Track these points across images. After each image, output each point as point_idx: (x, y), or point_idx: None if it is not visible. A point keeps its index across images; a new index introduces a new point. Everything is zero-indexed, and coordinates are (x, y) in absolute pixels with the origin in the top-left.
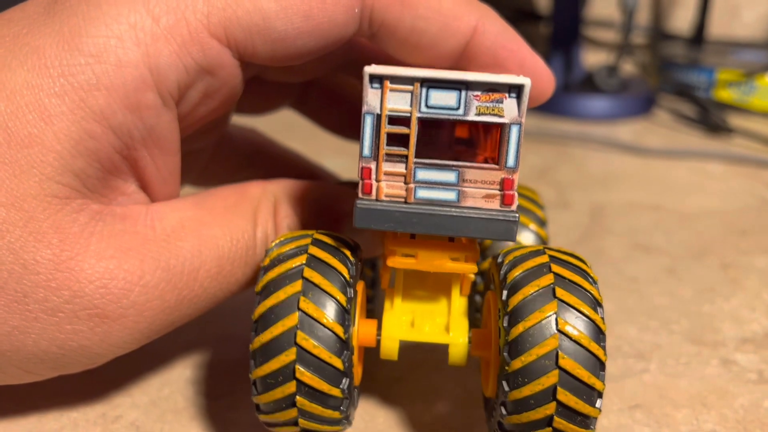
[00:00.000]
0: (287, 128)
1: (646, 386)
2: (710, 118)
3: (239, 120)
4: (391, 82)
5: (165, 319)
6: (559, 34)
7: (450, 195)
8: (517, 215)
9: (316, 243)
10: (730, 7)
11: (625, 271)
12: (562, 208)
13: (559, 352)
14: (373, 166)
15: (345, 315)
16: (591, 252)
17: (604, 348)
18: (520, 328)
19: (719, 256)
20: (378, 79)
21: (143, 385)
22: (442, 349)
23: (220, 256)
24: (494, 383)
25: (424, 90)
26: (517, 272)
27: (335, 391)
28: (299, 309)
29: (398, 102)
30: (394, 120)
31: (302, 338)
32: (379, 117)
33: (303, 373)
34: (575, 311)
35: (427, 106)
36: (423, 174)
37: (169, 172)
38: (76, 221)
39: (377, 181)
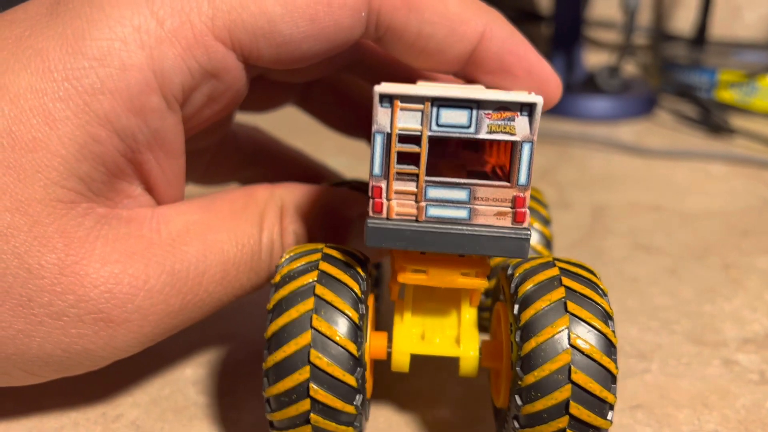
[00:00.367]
0: (289, 127)
1: (647, 386)
2: (712, 118)
3: (242, 117)
4: (401, 102)
5: (169, 322)
6: (560, 34)
7: (461, 213)
8: (530, 233)
9: (327, 258)
10: (732, 8)
11: (626, 272)
12: (564, 208)
13: (572, 367)
14: (383, 184)
15: (357, 332)
16: (592, 252)
17: (615, 361)
18: (532, 343)
19: (720, 256)
20: (388, 99)
21: (144, 384)
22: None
23: (225, 261)
24: (506, 395)
25: (434, 109)
26: (528, 286)
27: (349, 408)
28: (312, 327)
29: (409, 121)
30: (404, 138)
31: (316, 356)
32: (389, 136)
33: (317, 391)
34: (587, 325)
35: (437, 124)
36: (434, 192)
37: (174, 174)
38: (81, 225)
39: (388, 199)
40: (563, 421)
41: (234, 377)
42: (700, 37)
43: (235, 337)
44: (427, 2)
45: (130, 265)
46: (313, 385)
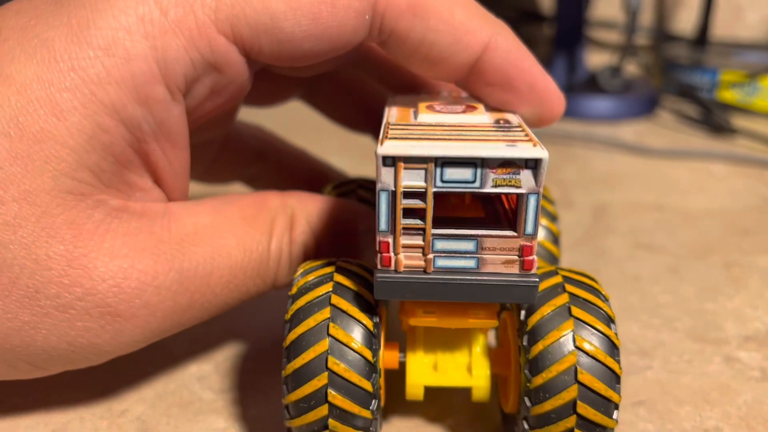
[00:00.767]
0: (292, 125)
1: (649, 383)
2: (713, 118)
3: (246, 112)
4: (404, 162)
5: (176, 320)
6: (562, 34)
7: (470, 263)
8: (538, 280)
9: (340, 271)
10: (734, 9)
11: (627, 270)
12: (566, 207)
13: (578, 368)
14: (390, 239)
15: (372, 339)
16: (594, 251)
17: (618, 362)
18: (539, 346)
19: (722, 255)
20: (391, 159)
21: (149, 379)
22: None
23: (232, 266)
24: (515, 399)
25: (438, 168)
26: None
27: (365, 413)
28: (329, 335)
29: (413, 178)
30: (409, 194)
31: (333, 363)
32: (394, 193)
33: (335, 397)
34: (590, 328)
35: (442, 180)
36: (441, 245)
37: (180, 166)
38: (90, 217)
39: (395, 254)
40: (571, 421)
41: (238, 373)
42: (701, 38)
43: (240, 334)
44: (433, 9)
45: (139, 260)
46: (331, 391)
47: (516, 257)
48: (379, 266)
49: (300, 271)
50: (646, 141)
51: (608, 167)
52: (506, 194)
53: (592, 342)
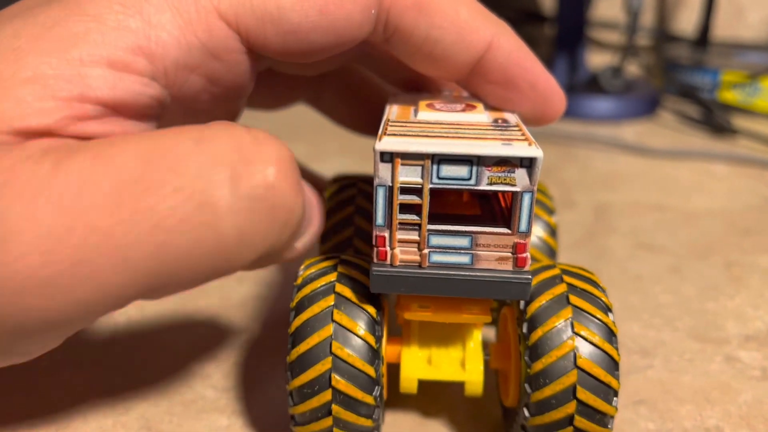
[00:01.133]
0: (293, 126)
1: (650, 382)
2: (714, 119)
3: (252, 115)
4: (401, 159)
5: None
6: (563, 35)
7: (464, 259)
8: (530, 277)
9: (344, 263)
10: (735, 9)
11: (629, 270)
12: (567, 207)
13: (577, 353)
14: (386, 234)
15: (376, 326)
16: (595, 251)
17: (617, 348)
18: (539, 332)
19: (723, 255)
20: (389, 155)
21: (152, 377)
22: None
23: None
24: (515, 392)
25: (435, 164)
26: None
27: (368, 399)
28: (333, 320)
29: (410, 175)
30: (406, 190)
31: (337, 347)
32: (391, 189)
33: (338, 381)
34: (588, 315)
35: (438, 177)
36: (437, 240)
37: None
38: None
39: (391, 248)
40: (571, 407)
41: (241, 371)
42: (703, 38)
43: (242, 332)
44: (438, 7)
45: None
46: (335, 376)
47: (510, 254)
48: (375, 260)
49: (305, 263)
50: (647, 141)
51: (609, 167)
52: (501, 192)
53: (590, 328)
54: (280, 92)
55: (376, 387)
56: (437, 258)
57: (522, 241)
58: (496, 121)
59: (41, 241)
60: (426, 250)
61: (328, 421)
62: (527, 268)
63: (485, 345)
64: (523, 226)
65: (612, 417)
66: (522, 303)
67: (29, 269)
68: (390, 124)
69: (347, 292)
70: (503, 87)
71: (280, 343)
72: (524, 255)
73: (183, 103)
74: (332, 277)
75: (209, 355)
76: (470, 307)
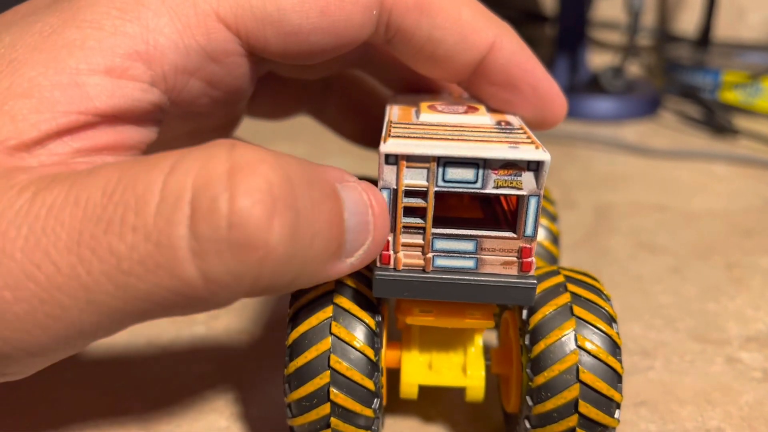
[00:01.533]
0: (294, 127)
1: (651, 383)
2: (715, 119)
3: (253, 125)
4: (407, 161)
5: None
6: (564, 35)
7: (468, 263)
8: (536, 282)
9: None
10: (736, 9)
11: (630, 270)
12: (568, 207)
13: (579, 367)
14: (390, 237)
15: (375, 338)
16: (596, 251)
17: (620, 361)
18: (541, 345)
19: (724, 255)
20: (394, 158)
21: (151, 378)
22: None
23: None
24: (516, 398)
25: (440, 167)
26: None
27: (367, 412)
28: (331, 333)
29: (415, 177)
30: (411, 192)
31: (336, 361)
32: (395, 191)
33: (337, 395)
34: (592, 327)
35: (444, 180)
36: (441, 244)
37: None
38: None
39: (395, 252)
40: (573, 420)
41: (240, 372)
42: (704, 38)
43: (241, 333)
44: (440, 7)
45: None
46: (333, 389)
47: (515, 259)
48: (378, 264)
49: None
50: (648, 141)
51: (610, 168)
52: (506, 196)
53: (593, 341)
54: (282, 102)
55: (375, 399)
56: (441, 262)
57: (527, 245)
58: (499, 123)
59: (11, 277)
60: (430, 254)
61: None
62: (532, 272)
63: (486, 349)
64: (528, 231)
65: (614, 428)
66: (525, 313)
67: (4, 304)
68: (393, 125)
69: (346, 302)
70: (505, 89)
71: (280, 345)
72: (530, 260)
73: (183, 107)
74: (330, 285)
75: (208, 356)
76: (473, 311)
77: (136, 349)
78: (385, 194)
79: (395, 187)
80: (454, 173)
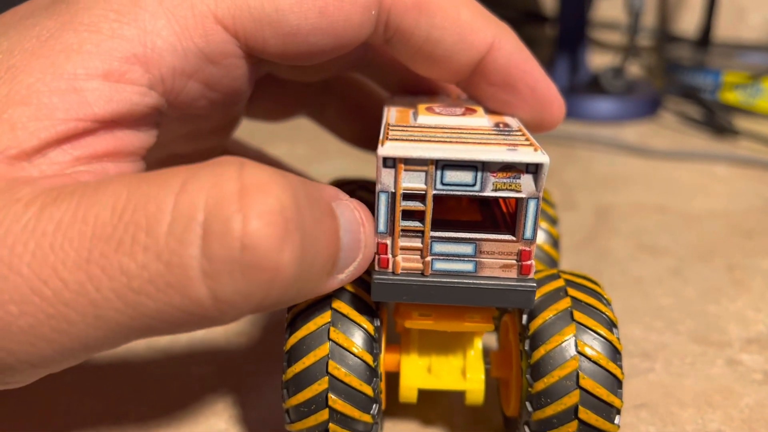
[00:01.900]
0: (293, 128)
1: (651, 385)
2: (716, 120)
3: (252, 126)
4: (405, 164)
5: None
6: (565, 35)
7: (467, 266)
8: (535, 285)
9: None
10: (737, 10)
11: (630, 272)
12: (568, 208)
13: (579, 373)
14: (388, 241)
15: (373, 343)
16: (596, 252)
17: (621, 367)
18: (541, 351)
19: (724, 257)
20: (392, 161)
21: (150, 381)
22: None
23: None
24: (516, 403)
25: (439, 170)
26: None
27: (366, 417)
28: (330, 339)
29: (413, 180)
30: (409, 196)
31: (334, 367)
32: (393, 195)
33: (335, 401)
34: (593, 333)
35: (442, 183)
36: (440, 247)
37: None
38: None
39: (393, 255)
40: (572, 426)
41: (239, 375)
42: (704, 39)
43: (240, 335)
44: (439, 7)
45: None
46: (331, 395)
47: (514, 261)
48: (376, 268)
49: None
50: (648, 142)
51: (611, 168)
52: (505, 198)
53: (594, 347)
54: (281, 104)
55: (374, 405)
56: (440, 266)
57: (527, 248)
58: (497, 125)
59: (17, 292)
60: (429, 258)
61: None
62: (531, 275)
63: (486, 353)
64: (528, 233)
65: None
66: (525, 318)
67: (10, 317)
68: (391, 128)
69: (344, 307)
70: (504, 89)
71: (279, 348)
72: (529, 262)
73: (181, 110)
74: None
75: (207, 359)
76: (472, 315)
77: (135, 352)
78: (383, 198)
79: (393, 191)
80: (452, 176)
